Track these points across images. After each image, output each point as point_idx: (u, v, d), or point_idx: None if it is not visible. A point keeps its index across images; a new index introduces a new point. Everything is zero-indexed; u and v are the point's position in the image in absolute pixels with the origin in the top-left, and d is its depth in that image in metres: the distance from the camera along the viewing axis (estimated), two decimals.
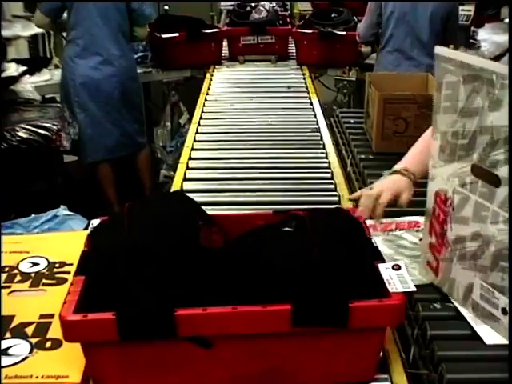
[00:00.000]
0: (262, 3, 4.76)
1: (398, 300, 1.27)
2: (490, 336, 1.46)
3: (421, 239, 1.81)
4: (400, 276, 1.44)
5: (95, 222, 1.51)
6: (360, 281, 1.32)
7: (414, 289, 1.43)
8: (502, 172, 1.34)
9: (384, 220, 1.93)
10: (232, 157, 2.66)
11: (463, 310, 1.56)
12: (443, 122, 1.50)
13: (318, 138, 2.84)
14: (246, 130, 2.99)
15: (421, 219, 1.93)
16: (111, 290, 1.25)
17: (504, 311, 1.44)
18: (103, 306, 1.20)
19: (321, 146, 2.74)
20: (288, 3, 5.73)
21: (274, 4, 4.89)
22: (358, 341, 1.30)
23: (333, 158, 2.61)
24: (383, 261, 1.42)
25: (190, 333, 1.22)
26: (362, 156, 2.57)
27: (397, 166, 1.91)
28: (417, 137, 2.58)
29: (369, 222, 1.77)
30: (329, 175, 2.44)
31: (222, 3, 5.78)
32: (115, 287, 1.25)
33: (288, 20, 4.78)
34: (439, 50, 1.47)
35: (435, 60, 1.48)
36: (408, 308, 1.62)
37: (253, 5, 4.73)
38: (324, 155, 2.64)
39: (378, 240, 1.80)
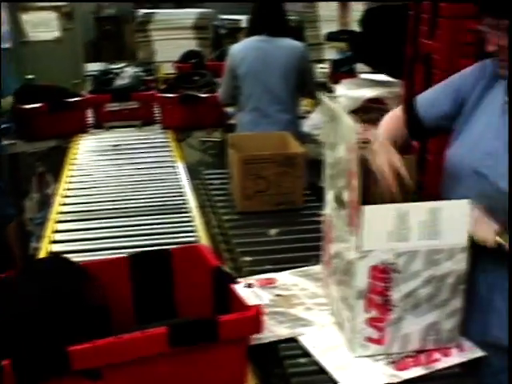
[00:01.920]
0: (126, 69, 4.80)
1: (255, 311, 1.48)
2: (349, 383, 1.55)
3: (276, 295, 1.94)
4: (253, 292, 1.86)
5: None
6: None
7: (267, 301, 1.83)
8: (344, 196, 1.62)
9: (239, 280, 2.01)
10: (98, 227, 2.64)
11: (332, 337, 1.74)
12: (327, 156, 1.80)
13: (183, 201, 2.87)
14: (112, 198, 2.99)
15: (276, 276, 2.06)
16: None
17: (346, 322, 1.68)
18: None
19: (186, 210, 2.77)
20: (152, 68, 5.80)
21: (138, 70, 4.94)
22: (227, 351, 1.49)
23: (198, 221, 2.64)
24: (236, 282, 1.68)
25: (82, 366, 1.31)
26: (227, 217, 2.61)
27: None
28: (279, 195, 2.68)
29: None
30: (193, 239, 2.46)
31: (88, 69, 5.80)
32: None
33: (152, 85, 4.83)
34: (321, 95, 1.88)
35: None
36: (275, 366, 1.67)
37: (116, 71, 4.76)
38: (189, 219, 2.67)
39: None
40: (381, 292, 1.57)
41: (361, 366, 1.61)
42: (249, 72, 3.97)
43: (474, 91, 1.91)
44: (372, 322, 1.61)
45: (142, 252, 1.83)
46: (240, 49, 4.02)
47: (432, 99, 2.04)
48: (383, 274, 1.56)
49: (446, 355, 1.66)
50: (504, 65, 1.74)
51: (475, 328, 1.81)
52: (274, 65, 3.96)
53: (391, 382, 1.55)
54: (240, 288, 1.65)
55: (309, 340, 1.72)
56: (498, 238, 1.68)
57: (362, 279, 1.57)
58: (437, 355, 1.65)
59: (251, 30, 4.10)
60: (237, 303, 1.56)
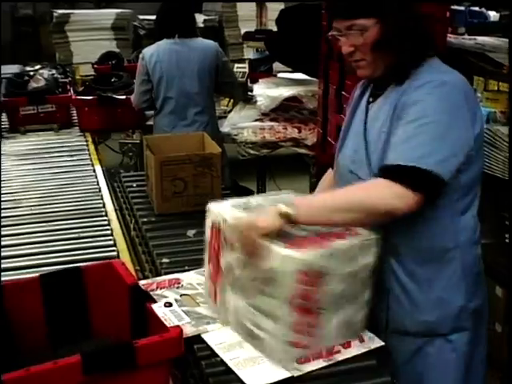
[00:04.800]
0: (41, 71, 4.72)
1: (175, 333, 1.40)
2: (252, 379, 1.56)
3: (182, 295, 1.94)
4: (173, 312, 1.73)
5: None
6: None
7: (189, 320, 1.73)
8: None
9: (144, 281, 2.04)
10: (14, 233, 2.59)
11: (235, 334, 1.73)
12: None
13: (101, 205, 2.85)
14: (28, 203, 2.92)
15: (181, 276, 2.06)
16: None
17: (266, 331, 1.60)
18: None
19: (103, 214, 2.75)
20: (68, 70, 5.71)
21: (54, 72, 4.85)
22: (147, 377, 1.40)
23: (115, 224, 2.62)
24: (154, 301, 1.60)
25: None
26: (145, 219, 2.60)
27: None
28: (197, 195, 2.69)
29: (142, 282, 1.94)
30: (111, 242, 2.45)
31: (4, 71, 5.66)
32: None
33: (69, 87, 4.75)
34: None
35: None
36: (193, 366, 1.68)
37: (31, 74, 4.67)
38: (106, 222, 2.65)
39: None
40: (306, 296, 1.55)
41: (264, 361, 1.62)
42: (163, 76, 3.97)
43: (353, 102, 2.03)
44: (299, 326, 1.59)
45: (53, 272, 1.75)
46: (152, 53, 3.99)
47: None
48: (308, 277, 1.53)
49: (346, 346, 1.69)
50: (361, 65, 1.82)
51: (379, 314, 1.87)
52: (189, 67, 3.97)
53: (291, 375, 1.58)
54: (158, 307, 1.60)
55: (212, 337, 1.73)
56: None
57: (287, 285, 1.53)
58: (338, 347, 1.68)
59: (160, 33, 4.08)
60: (155, 323, 1.50)
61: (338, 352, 1.67)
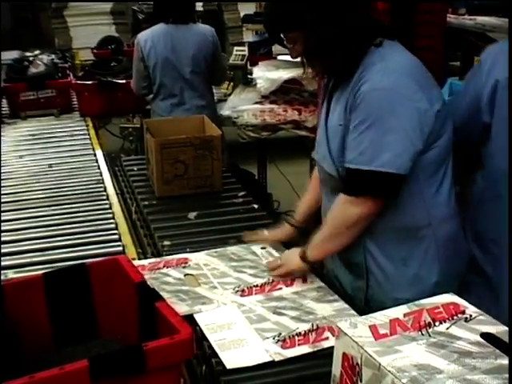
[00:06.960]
0: (40, 57, 4.70)
1: (187, 335, 1.32)
2: (232, 361, 1.56)
3: (186, 274, 1.96)
4: None
5: None
6: None
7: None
8: None
9: (153, 259, 2.08)
10: (16, 218, 2.60)
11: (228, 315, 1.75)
12: None
13: (102, 189, 2.86)
14: (30, 188, 2.94)
15: (190, 255, 2.08)
16: None
17: None
18: None
19: (104, 197, 2.75)
20: (68, 54, 5.69)
21: (53, 57, 4.83)
22: (157, 380, 1.32)
23: (116, 207, 2.64)
24: (163, 299, 1.50)
25: None
26: (146, 202, 2.61)
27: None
28: (198, 178, 2.69)
29: (137, 263, 1.97)
30: (113, 225, 2.46)
31: (4, 57, 5.64)
32: None
33: (68, 72, 4.74)
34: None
35: None
36: (197, 348, 1.69)
37: (31, 59, 4.66)
38: (108, 206, 2.66)
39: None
40: None
41: (248, 343, 1.62)
42: (158, 61, 3.91)
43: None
44: None
45: (57, 270, 1.67)
46: (146, 38, 3.93)
47: None
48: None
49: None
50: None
51: (358, 294, 1.94)
52: (184, 51, 3.90)
53: (272, 360, 1.57)
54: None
55: (203, 317, 1.74)
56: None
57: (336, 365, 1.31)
58: (327, 333, 1.65)
59: (157, 17, 4.04)
60: (164, 323, 1.41)
61: (327, 339, 1.63)
